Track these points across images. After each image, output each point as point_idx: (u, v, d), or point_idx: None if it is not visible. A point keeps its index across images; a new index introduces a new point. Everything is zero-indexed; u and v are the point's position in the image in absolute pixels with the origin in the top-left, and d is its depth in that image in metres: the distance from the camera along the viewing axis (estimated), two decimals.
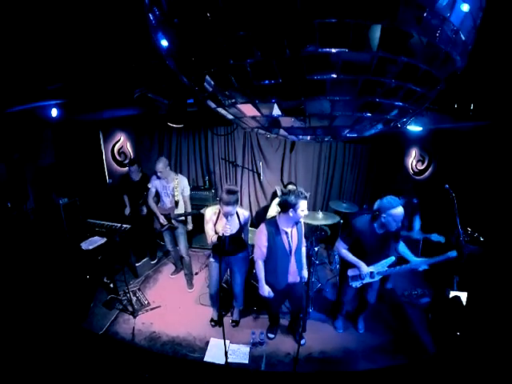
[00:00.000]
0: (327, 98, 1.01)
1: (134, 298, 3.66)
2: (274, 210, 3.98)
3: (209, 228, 2.80)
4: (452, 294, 2.68)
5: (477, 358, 2.43)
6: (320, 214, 3.87)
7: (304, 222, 2.88)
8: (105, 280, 3.94)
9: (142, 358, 2.82)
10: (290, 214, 2.42)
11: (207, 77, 1.09)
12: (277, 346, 3.02)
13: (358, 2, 0.75)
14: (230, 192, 2.53)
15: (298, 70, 0.90)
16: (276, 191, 5.02)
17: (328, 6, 0.75)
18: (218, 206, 2.79)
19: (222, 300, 3.12)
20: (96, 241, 3.64)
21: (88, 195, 5.09)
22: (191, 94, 3.16)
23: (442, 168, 4.11)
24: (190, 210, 3.83)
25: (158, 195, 3.80)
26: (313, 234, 3.85)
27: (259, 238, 2.57)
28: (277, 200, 2.55)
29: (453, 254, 2.56)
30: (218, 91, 1.17)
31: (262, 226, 2.59)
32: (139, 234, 4.37)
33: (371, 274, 2.70)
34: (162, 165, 3.54)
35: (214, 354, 2.87)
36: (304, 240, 2.78)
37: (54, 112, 3.59)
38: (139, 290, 3.91)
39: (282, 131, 1.33)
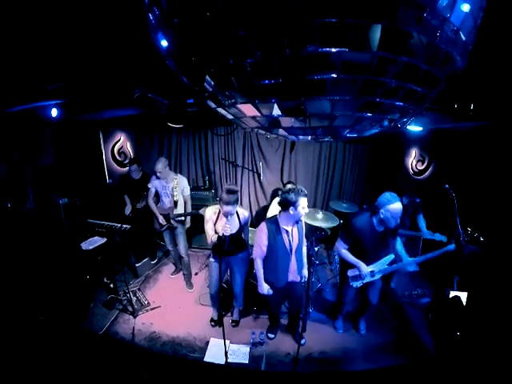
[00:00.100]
0: (327, 98, 1.01)
1: (134, 298, 3.66)
2: (274, 209, 3.97)
3: (209, 228, 2.79)
4: (452, 293, 2.68)
5: (477, 358, 2.43)
6: (320, 216, 3.86)
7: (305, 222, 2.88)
8: (105, 280, 3.94)
9: (142, 358, 2.82)
10: (291, 212, 2.41)
11: (207, 77, 1.09)
12: (277, 346, 3.01)
13: (358, 2, 0.75)
14: (229, 192, 2.53)
15: (298, 70, 0.90)
16: (276, 191, 5.03)
17: (328, 6, 0.75)
18: (217, 206, 2.79)
19: (222, 300, 3.12)
20: (96, 241, 3.63)
21: (88, 195, 5.09)
22: (191, 93, 3.16)
23: (442, 168, 4.11)
24: (190, 209, 3.84)
25: (157, 195, 3.80)
26: (313, 233, 3.84)
27: (259, 237, 2.57)
28: (277, 199, 2.54)
29: (451, 246, 2.58)
30: (218, 91, 1.17)
31: (263, 225, 2.59)
32: (139, 234, 4.37)
33: (372, 273, 2.69)
34: (161, 165, 3.54)
35: (214, 354, 2.87)
36: (305, 240, 2.78)
37: (54, 112, 3.59)
38: (139, 290, 3.91)
39: (281, 131, 1.33)
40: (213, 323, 3.27)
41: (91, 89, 3.10)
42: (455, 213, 2.41)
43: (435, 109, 2.95)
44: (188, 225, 3.90)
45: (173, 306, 3.60)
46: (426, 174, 4.39)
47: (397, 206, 2.43)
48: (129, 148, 5.43)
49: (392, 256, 2.66)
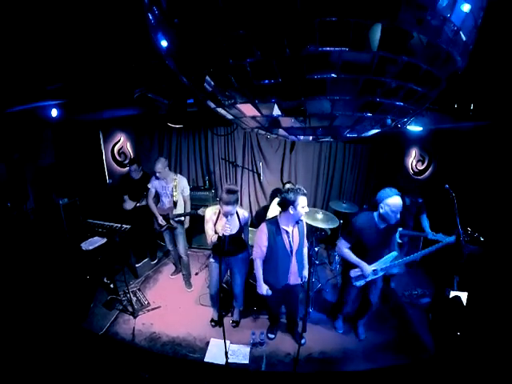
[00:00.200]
0: (327, 98, 1.01)
1: (134, 299, 3.66)
2: (274, 210, 3.97)
3: (209, 228, 2.79)
4: (452, 293, 2.68)
5: (477, 358, 2.43)
6: (320, 216, 3.86)
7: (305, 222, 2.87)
8: (105, 280, 3.94)
9: (142, 359, 2.82)
10: (291, 212, 2.40)
11: (207, 77, 1.08)
12: (277, 346, 3.01)
13: (359, 2, 0.75)
14: (229, 191, 2.53)
15: (298, 70, 0.90)
16: (276, 191, 5.02)
17: (328, 6, 0.75)
18: (217, 206, 2.79)
19: (222, 300, 3.12)
20: (96, 241, 3.63)
21: (88, 195, 5.08)
22: (191, 94, 3.16)
23: (442, 168, 4.11)
24: (189, 210, 3.83)
25: (157, 195, 3.80)
26: (313, 234, 3.84)
27: (259, 238, 2.57)
28: (277, 200, 2.54)
29: (450, 239, 2.57)
30: (217, 91, 1.17)
31: (263, 225, 2.58)
32: (139, 235, 4.37)
33: (374, 271, 2.67)
34: (160, 165, 3.54)
35: (214, 354, 2.87)
36: (306, 241, 2.77)
37: (54, 112, 3.59)
38: (139, 290, 3.91)
39: (281, 131, 1.33)
40: (213, 323, 3.27)
41: (91, 89, 3.10)
42: (455, 213, 2.41)
43: (435, 109, 2.95)
44: (187, 225, 3.90)
45: (173, 306, 3.60)
46: (426, 174, 4.39)
47: (396, 200, 2.42)
48: (129, 148, 5.43)
49: (395, 253, 2.64)
